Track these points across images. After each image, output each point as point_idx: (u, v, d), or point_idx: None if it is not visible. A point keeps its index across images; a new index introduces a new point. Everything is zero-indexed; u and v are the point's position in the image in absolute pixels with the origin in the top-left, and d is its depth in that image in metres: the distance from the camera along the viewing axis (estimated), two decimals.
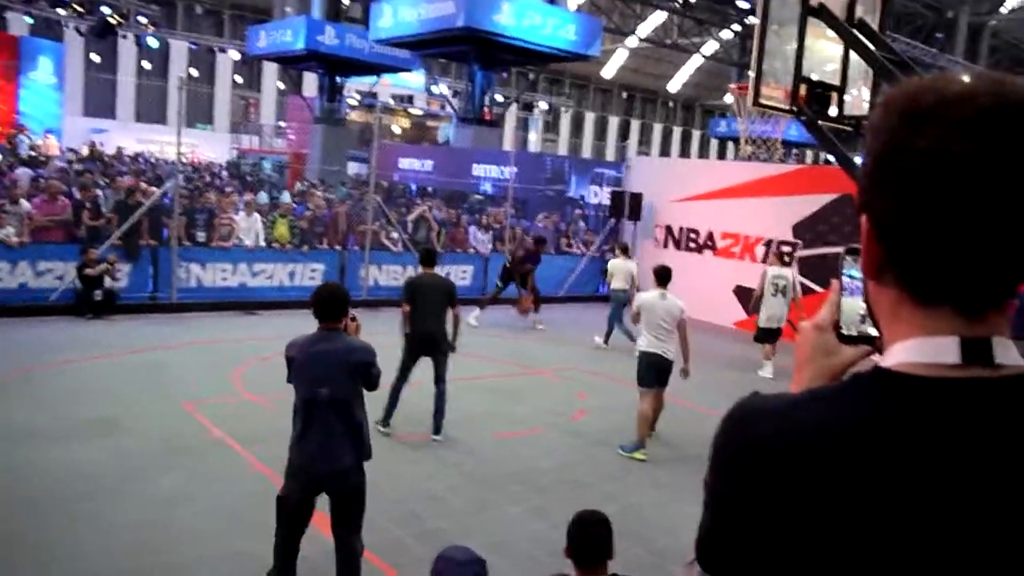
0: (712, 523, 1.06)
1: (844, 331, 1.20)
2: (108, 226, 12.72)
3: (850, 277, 1.20)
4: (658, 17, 42.96)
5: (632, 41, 45.35)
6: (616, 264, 12.83)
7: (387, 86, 38.39)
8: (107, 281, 12.05)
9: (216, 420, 7.81)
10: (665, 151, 66.78)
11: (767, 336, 11.98)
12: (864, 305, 1.16)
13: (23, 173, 16.57)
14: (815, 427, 0.99)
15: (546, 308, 16.57)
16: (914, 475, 0.93)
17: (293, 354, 4.36)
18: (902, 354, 1.02)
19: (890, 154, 0.98)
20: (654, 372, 7.86)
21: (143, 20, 33.24)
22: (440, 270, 15.28)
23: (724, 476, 1.04)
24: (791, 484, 0.97)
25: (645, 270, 16.85)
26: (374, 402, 6.12)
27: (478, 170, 22.22)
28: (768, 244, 15.61)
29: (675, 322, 7.83)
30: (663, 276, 8.05)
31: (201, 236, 13.53)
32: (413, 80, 41.82)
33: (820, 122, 8.13)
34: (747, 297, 15.69)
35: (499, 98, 34.30)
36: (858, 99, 8.47)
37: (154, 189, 14.34)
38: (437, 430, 7.69)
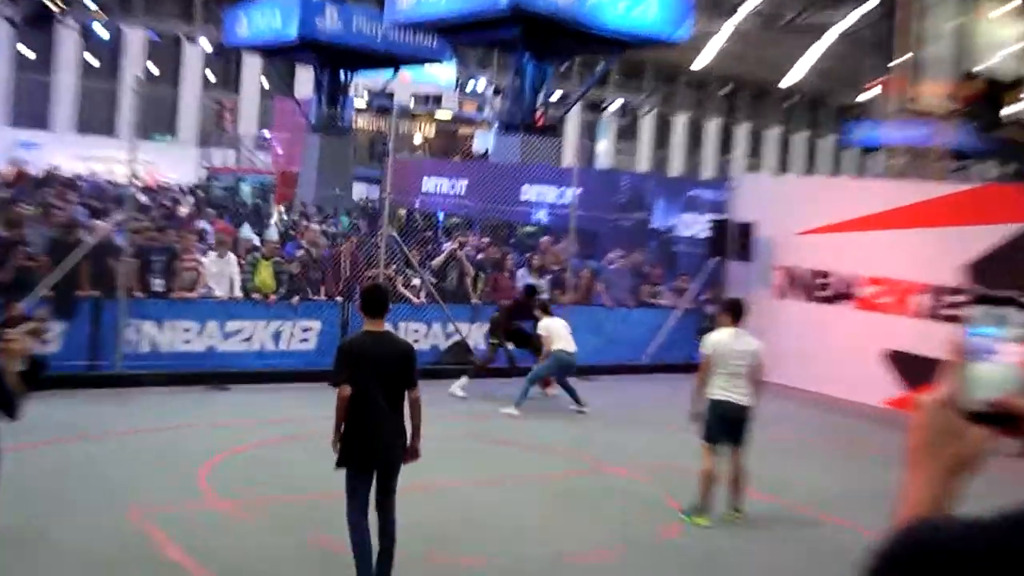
0: None
1: (973, 407, 1.25)
2: (37, 272, 12.96)
3: (982, 336, 1.25)
4: None
5: (735, 19, 45.58)
6: (548, 326, 13.69)
7: (407, 83, 39.09)
8: (34, 345, 12.12)
9: (173, 535, 7.74)
10: (784, 166, 66.66)
11: None
12: (1009, 372, 1.22)
13: None
14: None
15: (622, 380, 16.42)
16: None
17: None
18: None
19: None
20: (724, 425, 8.83)
21: (90, 4, 34.41)
22: (475, 329, 15.59)
23: None
24: None
25: (760, 330, 16.78)
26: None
27: (528, 193, 22.39)
28: (933, 292, 15.30)
29: (751, 366, 8.84)
30: (736, 310, 9.05)
31: (158, 284, 13.74)
32: (442, 75, 42.56)
33: (998, 124, 8.00)
34: (905, 365, 15.33)
35: (556, 97, 34.69)
36: None
37: (99, 223, 14.63)
38: None
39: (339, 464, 6.67)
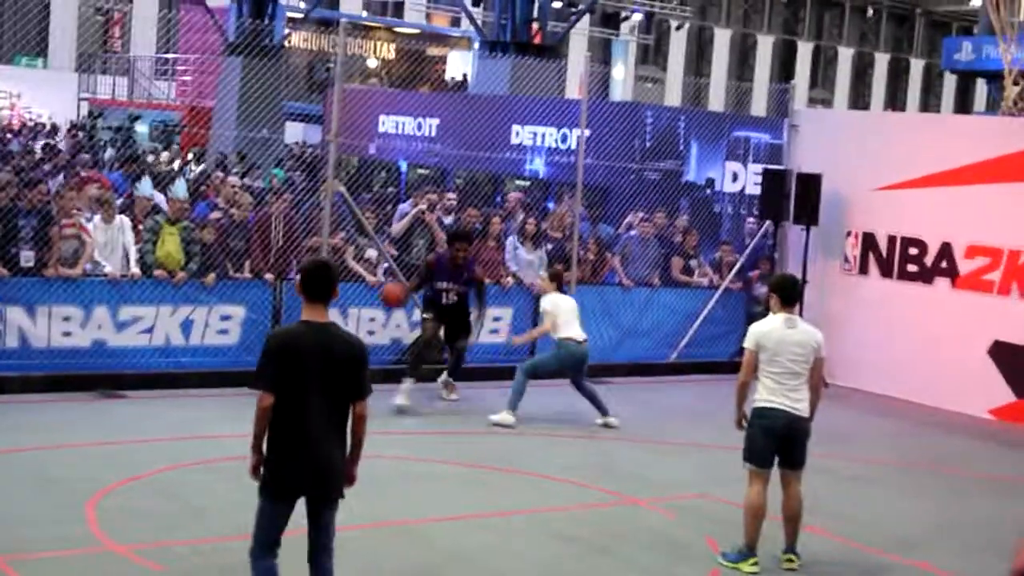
0: None
1: None
2: None
3: None
4: None
5: None
6: (558, 300, 13.92)
7: None
8: None
9: None
10: (859, 98, 66.71)
11: None
12: None
13: None
14: None
15: (644, 385, 16.50)
16: None
17: None
18: None
19: None
20: (773, 441, 8.86)
21: None
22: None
23: None
24: None
25: (827, 316, 16.89)
26: None
27: (522, 135, 22.40)
28: None
29: (809, 364, 8.92)
30: (787, 291, 9.12)
31: (27, 258, 13.74)
32: None
33: None
34: (1016, 363, 15.44)
35: (557, 5, 34.62)
36: None
37: None
38: None
39: (261, 492, 6.74)
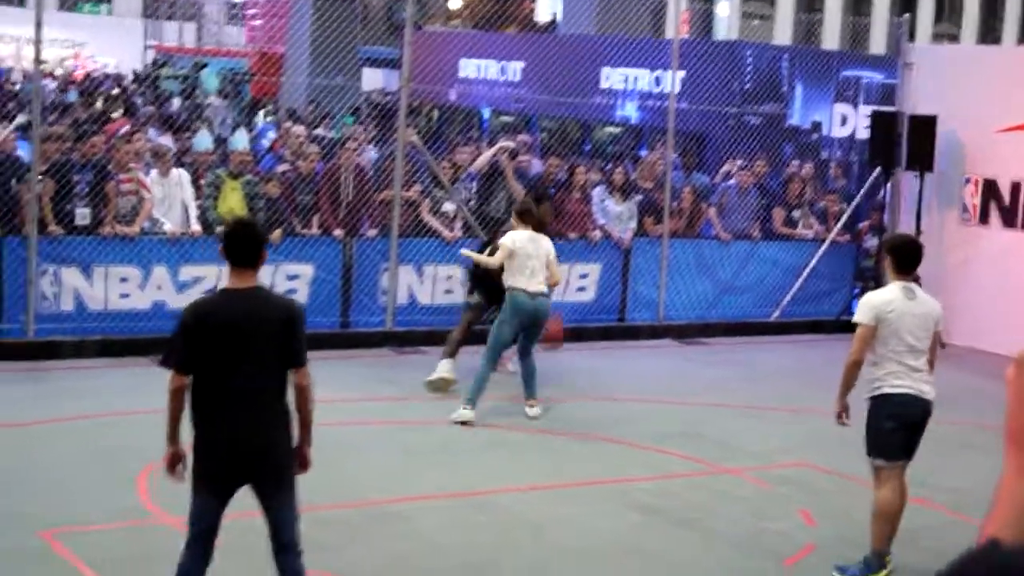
0: None
1: None
2: None
3: None
4: None
5: None
6: (519, 240, 12.25)
7: None
8: None
9: (100, 566, 7.88)
10: (990, 32, 65.39)
11: None
12: None
13: None
14: None
15: (744, 345, 16.42)
16: None
17: None
18: None
19: None
20: (903, 431, 8.33)
21: None
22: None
23: None
24: None
25: (944, 271, 16.70)
26: None
27: (612, 78, 22.33)
28: None
29: (930, 337, 8.43)
30: (907, 256, 8.52)
31: (83, 215, 13.93)
32: None
33: None
34: None
35: None
36: None
37: None
38: None
39: (192, 484, 6.60)
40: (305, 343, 6.59)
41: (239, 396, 6.42)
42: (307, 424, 6.62)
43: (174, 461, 6.66)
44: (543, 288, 12.09)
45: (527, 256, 12.03)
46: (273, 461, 6.53)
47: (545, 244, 12.27)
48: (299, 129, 18.72)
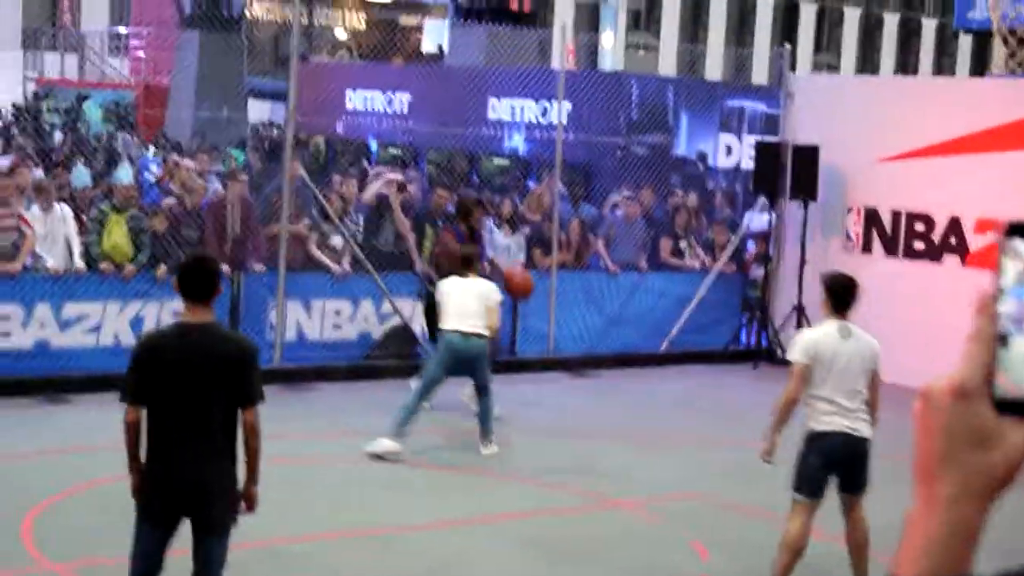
0: None
1: (1012, 396, 1.26)
2: None
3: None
4: None
5: None
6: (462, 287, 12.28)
7: None
8: None
9: None
10: (868, 62, 66.68)
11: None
12: None
13: None
14: None
15: (633, 376, 16.47)
16: None
17: None
18: None
19: None
20: (834, 469, 8.29)
21: None
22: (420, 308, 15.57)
23: None
24: None
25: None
26: None
27: (499, 109, 22.34)
28: None
29: (868, 377, 8.36)
30: (844, 296, 8.48)
31: None
32: None
33: None
34: None
35: None
36: None
37: None
38: None
39: (137, 516, 6.61)
40: (258, 381, 6.61)
41: (183, 430, 6.42)
42: (253, 462, 6.62)
43: (138, 488, 6.62)
44: (479, 329, 11.91)
45: (458, 299, 11.96)
46: (207, 498, 6.47)
47: (478, 284, 12.24)
48: (188, 163, 18.56)
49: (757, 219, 18.56)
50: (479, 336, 11.96)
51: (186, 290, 6.67)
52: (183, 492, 6.46)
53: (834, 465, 8.28)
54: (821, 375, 8.24)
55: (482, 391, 12.15)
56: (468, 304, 11.98)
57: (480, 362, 12.06)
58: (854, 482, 8.39)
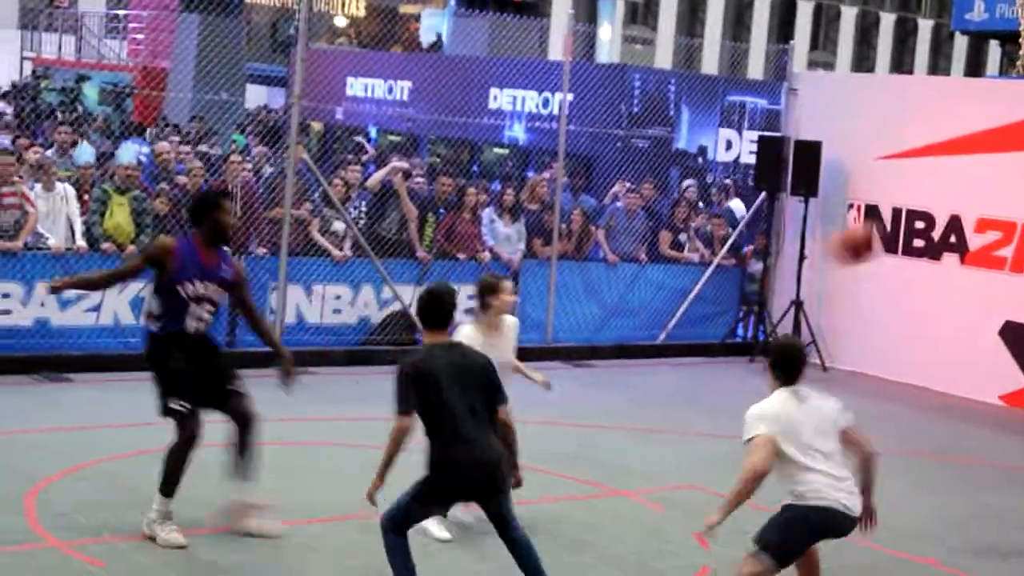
0: None
1: None
2: None
3: None
4: None
5: None
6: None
7: None
8: None
9: None
10: (863, 61, 66.71)
11: None
12: None
13: None
14: None
15: (631, 367, 16.47)
16: None
17: None
18: None
19: None
20: (814, 542, 7.62)
21: None
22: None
23: None
24: None
25: (827, 294, 16.98)
26: None
27: (500, 99, 22.35)
28: None
29: (834, 436, 7.54)
30: (792, 367, 7.74)
31: None
32: None
33: None
34: None
35: None
36: None
37: None
38: None
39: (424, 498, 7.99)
40: (502, 386, 7.97)
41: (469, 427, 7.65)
42: (513, 450, 8.36)
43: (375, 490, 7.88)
44: None
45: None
46: (500, 470, 7.81)
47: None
48: (184, 147, 18.49)
49: (735, 205, 18.74)
50: None
51: (429, 320, 7.77)
52: (484, 468, 7.66)
53: (814, 539, 7.59)
54: (790, 449, 7.39)
55: None
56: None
57: None
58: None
